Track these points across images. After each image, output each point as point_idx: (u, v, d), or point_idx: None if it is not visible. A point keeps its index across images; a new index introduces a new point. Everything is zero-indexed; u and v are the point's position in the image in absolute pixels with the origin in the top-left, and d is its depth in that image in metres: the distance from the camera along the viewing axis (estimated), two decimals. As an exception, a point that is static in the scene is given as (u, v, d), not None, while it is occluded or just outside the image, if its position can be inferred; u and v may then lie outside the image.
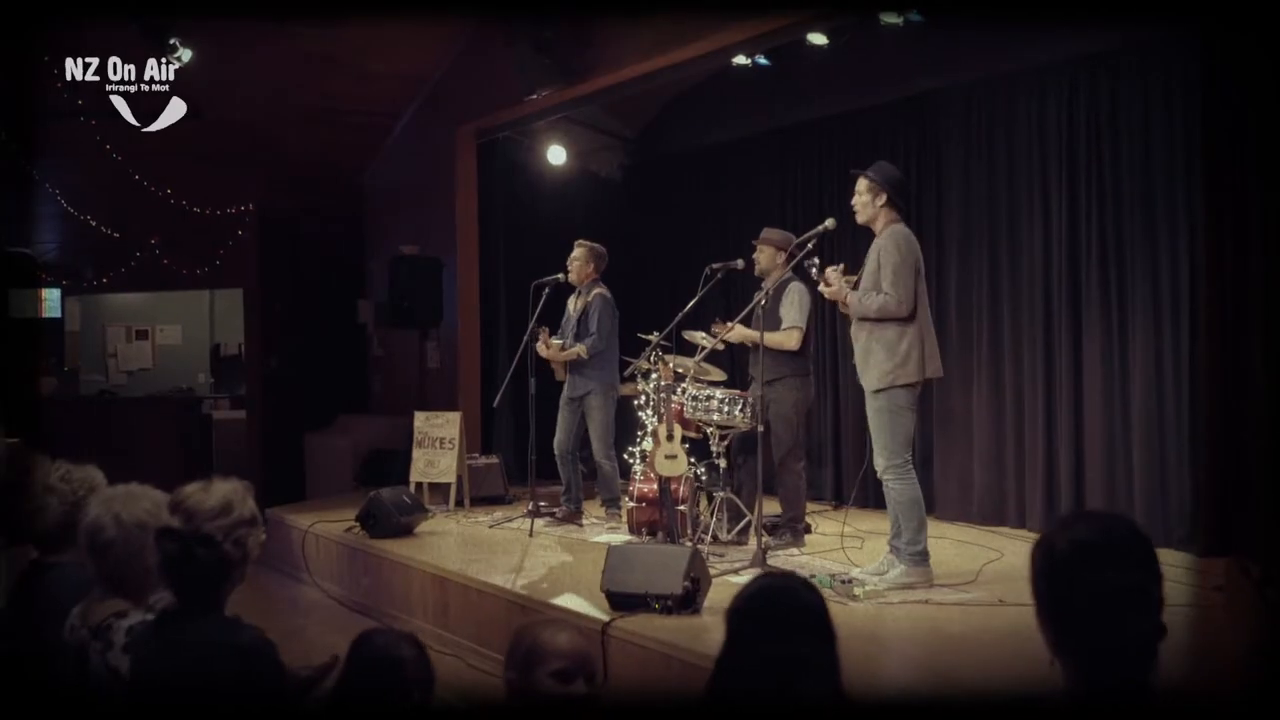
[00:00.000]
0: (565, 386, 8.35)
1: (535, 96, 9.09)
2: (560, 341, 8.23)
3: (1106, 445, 7.45)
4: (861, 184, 6.26)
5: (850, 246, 8.01)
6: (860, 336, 6.23)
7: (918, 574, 6.16)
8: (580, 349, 8.09)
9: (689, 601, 5.59)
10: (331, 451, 11.31)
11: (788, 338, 7.20)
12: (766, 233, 7.59)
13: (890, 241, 6.11)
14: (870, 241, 6.31)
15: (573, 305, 8.41)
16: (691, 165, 10.97)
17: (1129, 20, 6.90)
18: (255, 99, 10.78)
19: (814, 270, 6.51)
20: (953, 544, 7.41)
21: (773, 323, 7.18)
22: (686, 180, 11.06)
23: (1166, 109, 7.17)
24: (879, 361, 6.12)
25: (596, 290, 8.28)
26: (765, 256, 7.44)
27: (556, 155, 10.71)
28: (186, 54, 9.11)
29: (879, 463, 6.18)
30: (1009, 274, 8.09)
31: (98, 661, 3.12)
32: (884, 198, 6.18)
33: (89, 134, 10.59)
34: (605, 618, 5.58)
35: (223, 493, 2.95)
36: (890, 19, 7.68)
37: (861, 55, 8.43)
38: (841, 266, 6.33)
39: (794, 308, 7.22)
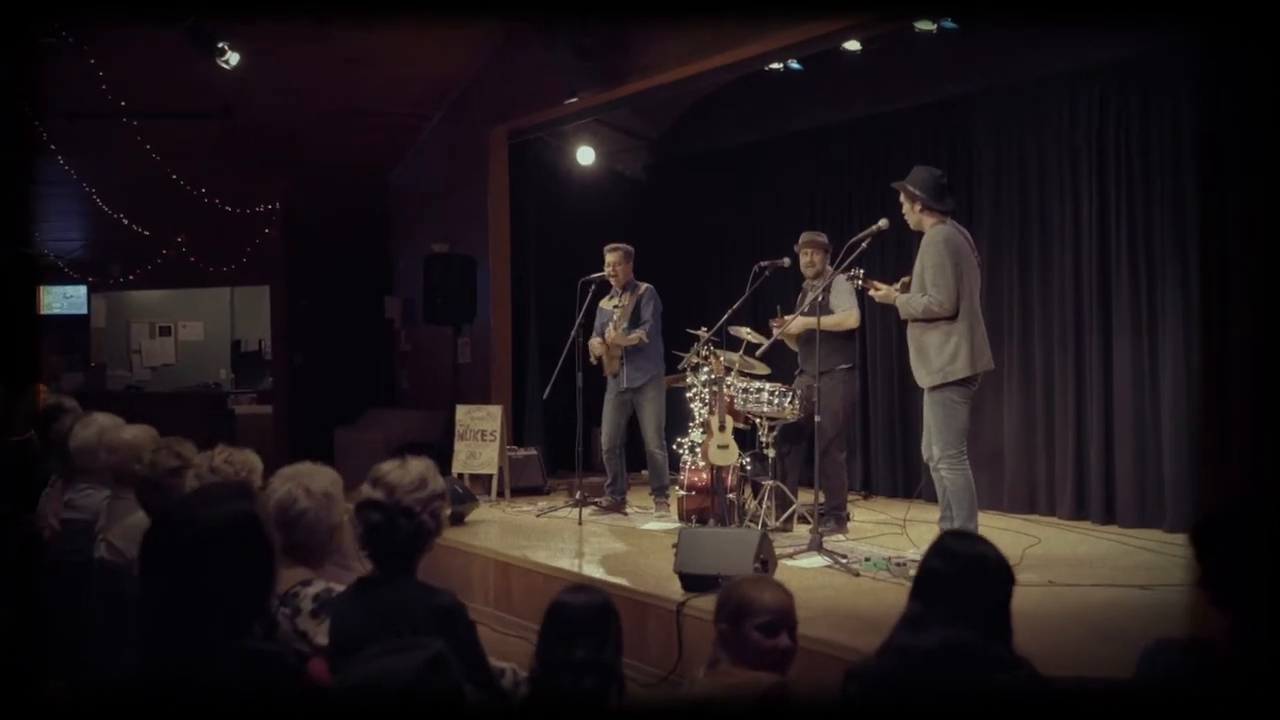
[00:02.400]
0: (615, 381, 8.63)
1: (575, 100, 9.34)
2: (623, 330, 8.48)
3: (1137, 436, 7.76)
4: (901, 197, 6.63)
5: (904, 248, 8.35)
6: (913, 336, 6.57)
7: None
8: (640, 333, 8.37)
9: (758, 582, 5.90)
10: (363, 445, 11.55)
11: (846, 316, 7.53)
12: (812, 237, 7.83)
13: (929, 245, 6.46)
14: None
15: (612, 303, 8.68)
16: (717, 166, 11.24)
17: (1159, 25, 7.16)
18: (285, 100, 11.00)
19: (858, 282, 6.83)
20: (989, 530, 7.69)
21: (825, 314, 7.45)
22: (711, 181, 11.33)
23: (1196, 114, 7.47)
24: (930, 360, 6.45)
25: (644, 285, 8.58)
26: (817, 259, 7.71)
27: (585, 156, 10.98)
28: (235, 57, 9.36)
29: (934, 453, 6.47)
30: (1039, 271, 8.41)
31: (286, 626, 3.41)
32: (919, 204, 6.53)
33: (121, 132, 10.81)
34: (678, 598, 5.89)
35: (418, 469, 3.26)
36: (924, 25, 7.98)
37: (890, 59, 8.66)
38: (904, 281, 6.64)
39: (847, 297, 7.54)
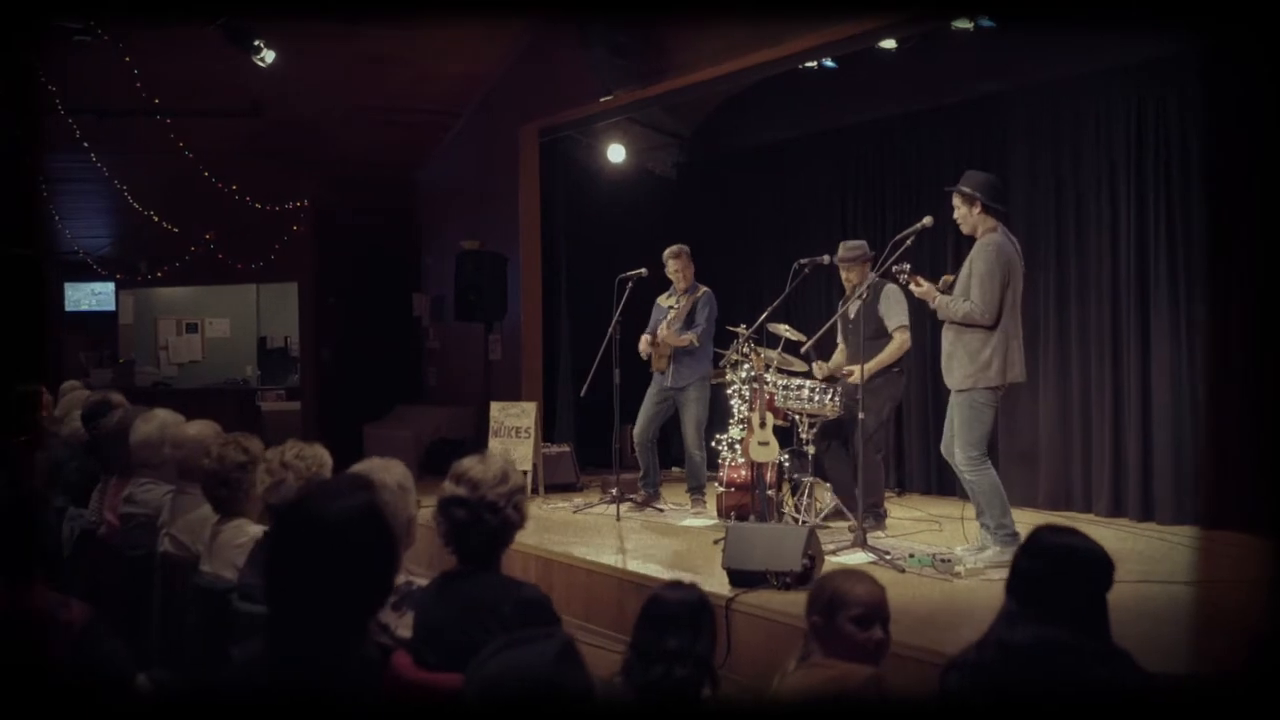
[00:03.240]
0: (660, 378, 8.66)
1: (610, 98, 9.37)
2: (675, 330, 8.50)
3: (1174, 434, 7.78)
4: (956, 199, 6.63)
5: (941, 245, 8.37)
6: (948, 337, 6.61)
7: (1010, 553, 6.49)
8: (691, 335, 8.39)
9: (807, 578, 5.92)
10: (393, 441, 11.59)
11: (901, 343, 7.52)
12: (849, 250, 7.78)
13: (981, 252, 6.49)
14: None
15: (670, 301, 8.71)
16: (747, 163, 11.26)
17: (1198, 24, 7.18)
18: (314, 97, 11.05)
19: (903, 276, 6.85)
20: (1025, 528, 7.69)
21: (872, 323, 7.47)
22: (741, 178, 11.35)
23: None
24: (962, 364, 6.51)
25: (704, 289, 8.61)
26: (856, 273, 7.69)
27: (616, 154, 11.02)
28: (270, 55, 9.41)
29: (956, 455, 6.55)
30: (1076, 270, 8.43)
31: (368, 618, 3.44)
32: (979, 206, 6.53)
33: (153, 130, 10.86)
34: (726, 594, 5.92)
35: (499, 464, 3.29)
36: (961, 24, 8.00)
37: (924, 57, 8.71)
38: (946, 279, 6.69)
39: (897, 307, 7.54)
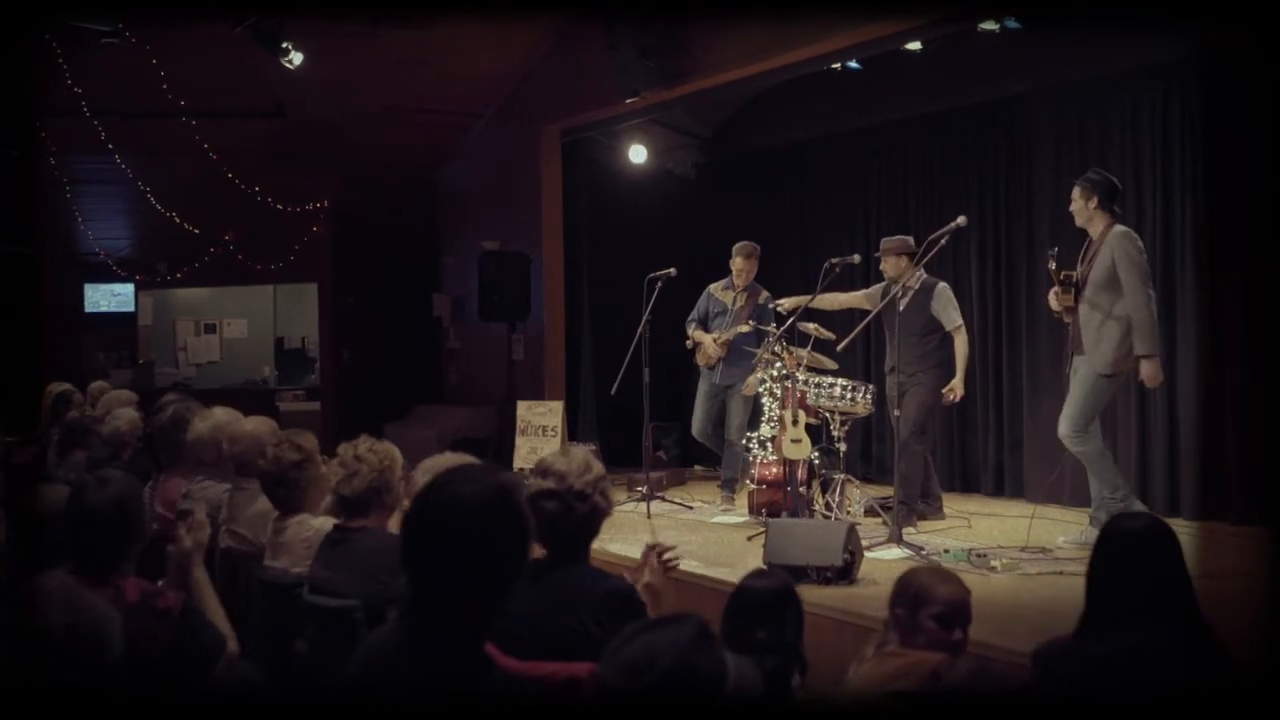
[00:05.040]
0: (710, 373, 8.73)
1: (636, 99, 9.43)
2: (728, 334, 8.56)
3: (1200, 430, 7.84)
4: (1075, 190, 6.87)
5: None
6: (1095, 318, 6.78)
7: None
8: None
9: (847, 573, 6.02)
10: (416, 441, 11.60)
11: (962, 342, 7.65)
12: (886, 243, 7.90)
13: (1122, 241, 6.69)
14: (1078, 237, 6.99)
15: (727, 296, 8.74)
16: (766, 163, 11.31)
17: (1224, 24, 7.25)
18: (335, 98, 11.13)
19: (1052, 264, 7.03)
20: (1053, 524, 7.74)
21: (919, 319, 7.63)
22: (761, 178, 11.39)
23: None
24: (1109, 350, 6.74)
25: (765, 291, 8.68)
26: (892, 265, 7.79)
27: (638, 154, 11.10)
28: (298, 56, 9.47)
29: (1062, 427, 6.79)
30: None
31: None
32: (1095, 200, 6.74)
33: (175, 130, 10.93)
34: (768, 589, 5.99)
35: (580, 454, 3.38)
36: (988, 25, 8.06)
37: (948, 57, 8.77)
38: (1065, 274, 6.92)
39: (950, 307, 7.65)
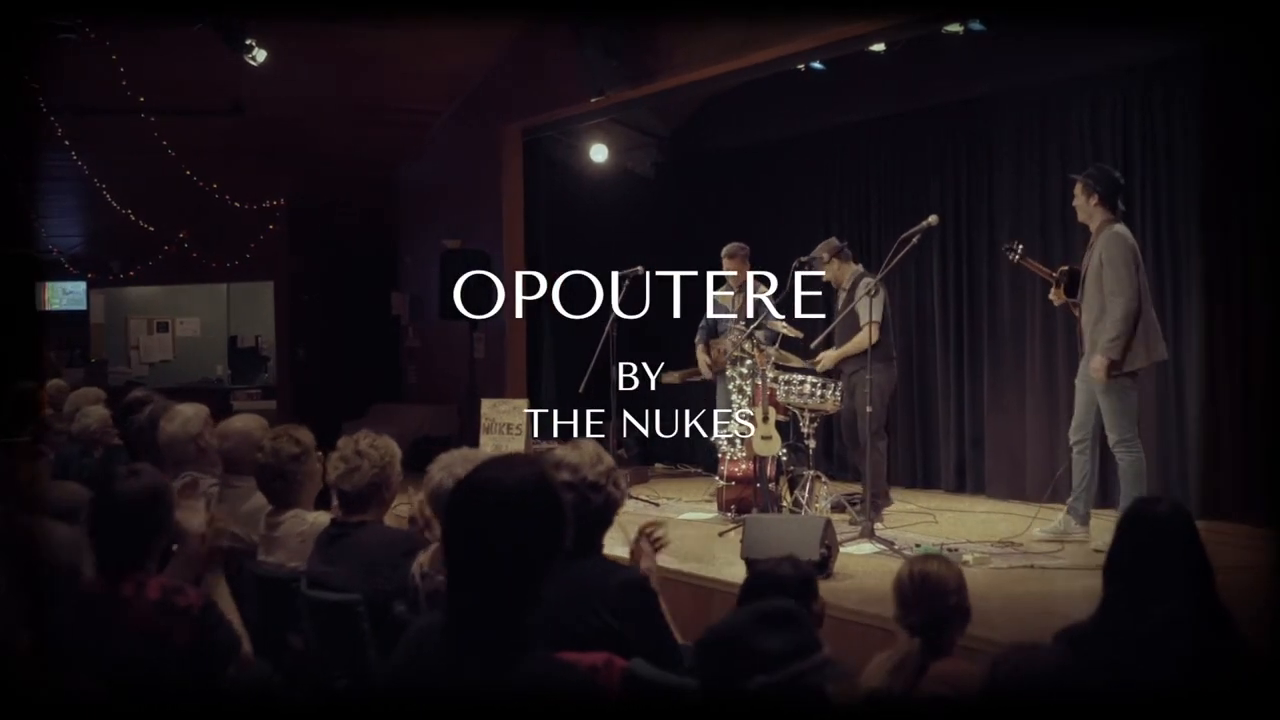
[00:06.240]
0: (722, 378, 8.81)
1: (600, 98, 9.45)
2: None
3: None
4: (1077, 186, 6.92)
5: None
6: (1091, 316, 6.85)
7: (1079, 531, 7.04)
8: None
9: (824, 566, 6.09)
10: (375, 439, 11.62)
11: (864, 336, 7.65)
12: (819, 250, 8.05)
13: (1114, 240, 6.74)
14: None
15: (729, 300, 8.81)
16: (728, 164, 11.35)
17: (1188, 28, 7.39)
18: (294, 95, 11.02)
19: (1013, 256, 7.30)
20: (1019, 519, 7.80)
21: (852, 319, 7.75)
22: (722, 178, 11.44)
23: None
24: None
25: (760, 284, 8.72)
26: (831, 271, 7.94)
27: (599, 153, 11.13)
28: (262, 54, 9.41)
29: (1111, 437, 6.80)
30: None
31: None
32: (1096, 197, 6.80)
33: (132, 127, 10.81)
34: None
35: (590, 446, 3.43)
36: (952, 28, 8.16)
37: (911, 59, 8.82)
38: (1062, 269, 7.08)
39: (864, 304, 7.63)
